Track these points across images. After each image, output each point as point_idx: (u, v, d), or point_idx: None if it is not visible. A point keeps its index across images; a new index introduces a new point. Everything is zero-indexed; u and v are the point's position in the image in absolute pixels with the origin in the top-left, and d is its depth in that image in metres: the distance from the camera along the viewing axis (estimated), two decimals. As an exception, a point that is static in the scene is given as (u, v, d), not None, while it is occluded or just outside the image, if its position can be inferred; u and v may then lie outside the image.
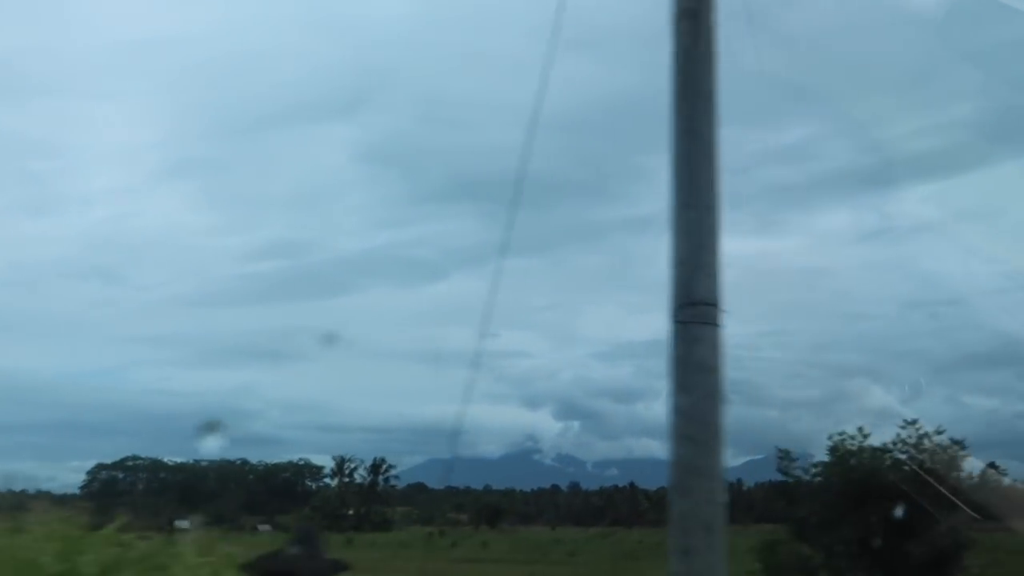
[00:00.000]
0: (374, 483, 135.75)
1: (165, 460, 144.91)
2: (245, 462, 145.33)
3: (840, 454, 32.11)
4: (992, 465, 34.60)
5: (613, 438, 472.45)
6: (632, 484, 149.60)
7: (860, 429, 32.45)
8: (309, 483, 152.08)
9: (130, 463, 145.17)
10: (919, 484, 27.33)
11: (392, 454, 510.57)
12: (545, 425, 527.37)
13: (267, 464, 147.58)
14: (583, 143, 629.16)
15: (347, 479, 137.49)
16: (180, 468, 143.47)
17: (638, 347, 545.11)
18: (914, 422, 30.92)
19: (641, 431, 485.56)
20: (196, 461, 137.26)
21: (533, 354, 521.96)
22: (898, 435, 30.96)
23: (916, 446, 30.90)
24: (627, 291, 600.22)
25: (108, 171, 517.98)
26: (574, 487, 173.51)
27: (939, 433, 30.43)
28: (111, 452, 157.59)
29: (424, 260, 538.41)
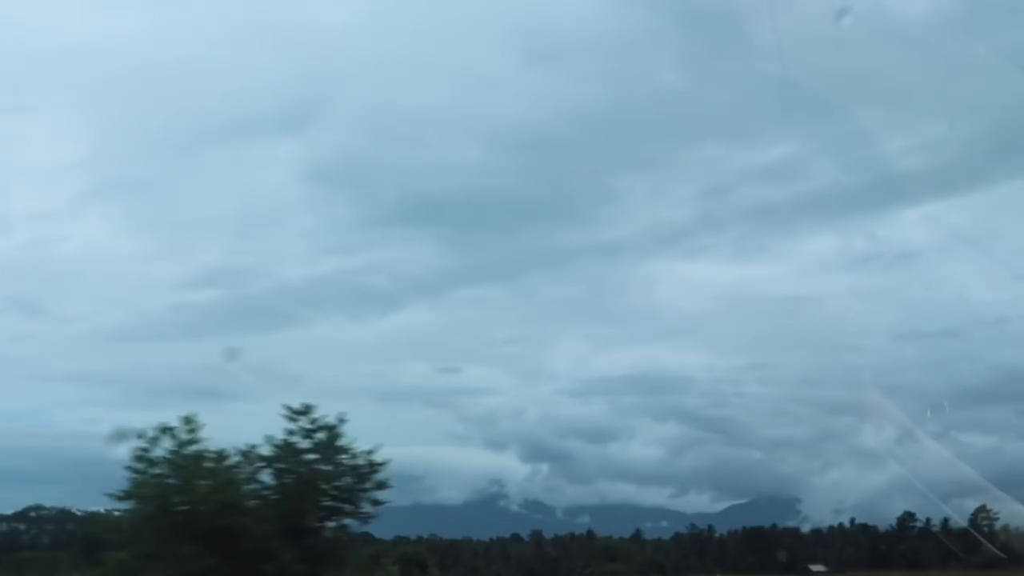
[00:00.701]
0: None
1: (74, 510, 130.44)
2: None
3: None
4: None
5: (585, 482, 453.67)
6: (590, 532, 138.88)
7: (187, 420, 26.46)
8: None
9: (33, 514, 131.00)
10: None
11: None
12: (511, 468, 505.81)
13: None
14: (549, 162, 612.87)
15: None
16: (91, 518, 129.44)
17: (611, 383, 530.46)
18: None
19: (615, 474, 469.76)
20: (108, 511, 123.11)
21: (498, 391, 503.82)
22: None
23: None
24: (598, 322, 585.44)
25: (27, 193, 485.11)
26: (536, 535, 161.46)
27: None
28: (29, 502, 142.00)
29: (376, 289, 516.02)
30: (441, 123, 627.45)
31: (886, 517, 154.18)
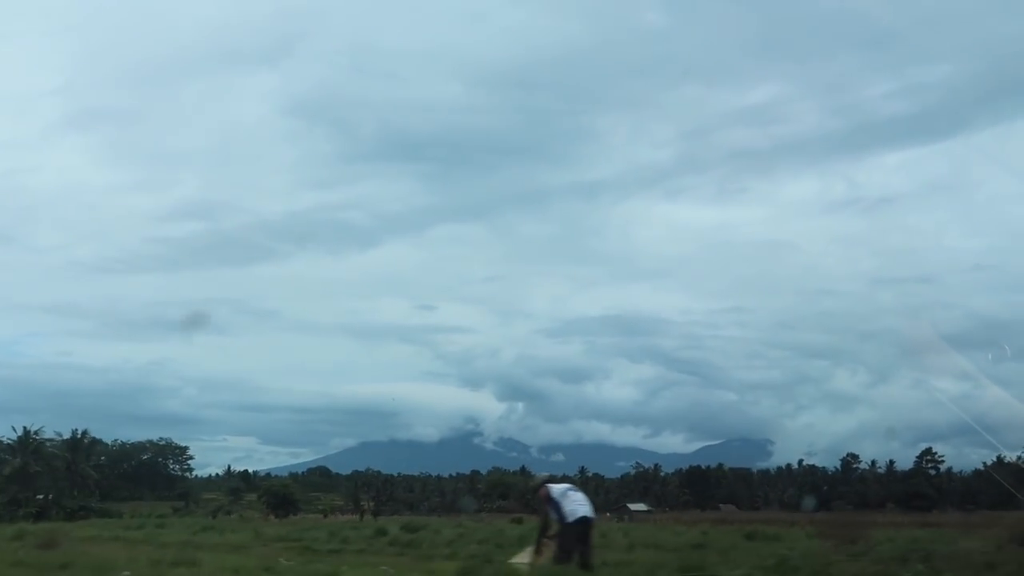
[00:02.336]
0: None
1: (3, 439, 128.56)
2: (94, 440, 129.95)
3: None
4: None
5: (560, 421, 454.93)
6: (523, 468, 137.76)
7: None
8: (174, 467, 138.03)
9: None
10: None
11: (320, 435, 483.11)
12: (487, 406, 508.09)
13: (123, 444, 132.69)
14: (530, 100, 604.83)
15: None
16: (18, 447, 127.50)
17: (588, 323, 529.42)
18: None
19: (590, 414, 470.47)
20: (34, 438, 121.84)
21: (474, 330, 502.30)
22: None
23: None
24: (576, 263, 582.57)
25: (1, 121, 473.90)
26: (475, 473, 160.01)
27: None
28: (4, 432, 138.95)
29: (355, 225, 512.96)
30: (422, 60, 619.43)
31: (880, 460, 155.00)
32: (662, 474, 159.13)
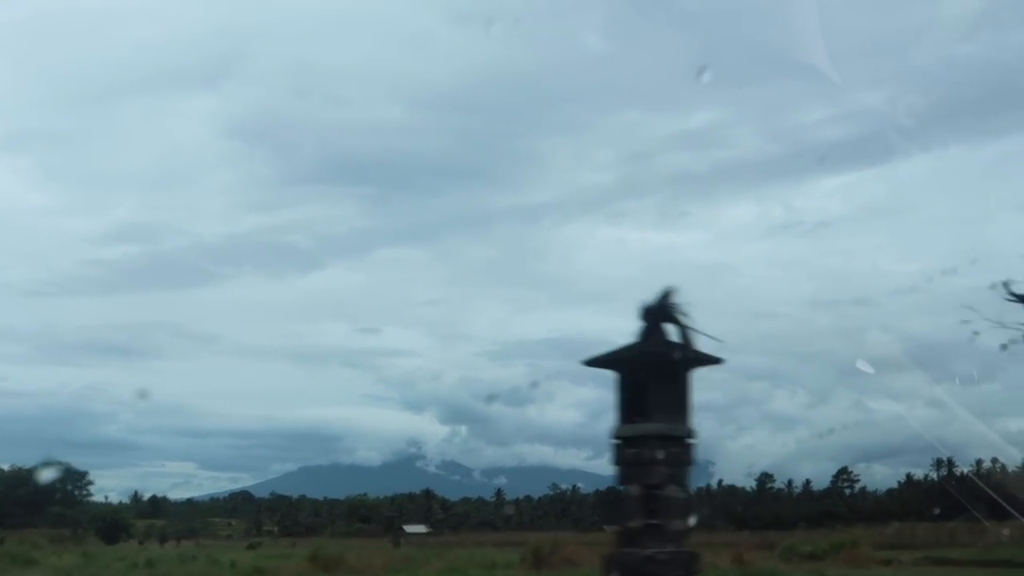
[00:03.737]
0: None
1: None
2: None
3: None
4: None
5: (503, 444, 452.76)
6: (427, 491, 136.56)
7: None
8: (73, 491, 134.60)
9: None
10: None
11: (260, 460, 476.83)
12: (430, 429, 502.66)
13: (18, 468, 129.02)
14: (472, 124, 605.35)
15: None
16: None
17: (530, 346, 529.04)
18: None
19: (533, 436, 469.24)
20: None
21: (417, 353, 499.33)
22: None
23: None
24: (518, 286, 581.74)
25: None
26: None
27: None
28: None
29: (296, 248, 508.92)
30: (364, 82, 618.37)
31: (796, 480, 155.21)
32: (578, 496, 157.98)
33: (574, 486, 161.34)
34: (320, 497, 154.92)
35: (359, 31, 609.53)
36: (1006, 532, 67.18)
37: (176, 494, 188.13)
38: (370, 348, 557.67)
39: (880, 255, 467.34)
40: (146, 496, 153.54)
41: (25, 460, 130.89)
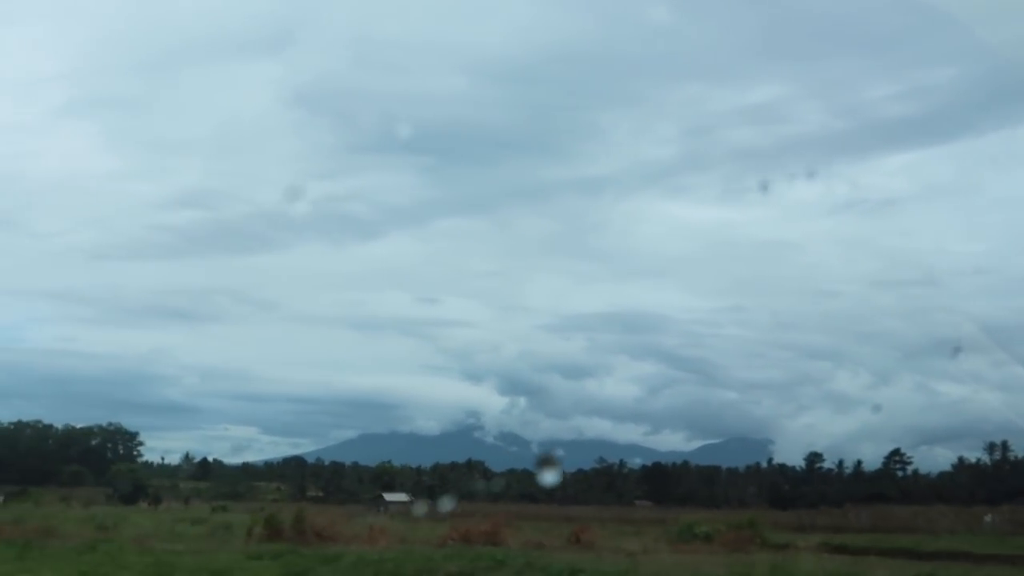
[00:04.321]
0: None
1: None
2: (41, 424, 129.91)
3: None
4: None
5: (561, 416, 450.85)
6: (469, 461, 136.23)
7: None
8: (123, 451, 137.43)
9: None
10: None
11: (320, 427, 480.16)
12: (488, 400, 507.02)
13: (70, 427, 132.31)
14: (533, 95, 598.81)
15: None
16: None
17: (589, 320, 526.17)
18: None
19: (591, 410, 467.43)
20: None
21: (476, 324, 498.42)
22: None
23: None
24: (578, 259, 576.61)
25: (5, 105, 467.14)
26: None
27: None
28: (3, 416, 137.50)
29: (357, 216, 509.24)
30: (425, 51, 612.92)
31: (853, 460, 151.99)
32: (625, 470, 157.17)
33: (621, 460, 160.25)
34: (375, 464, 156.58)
35: (421, 2, 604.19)
36: (988, 518, 65.69)
37: (237, 458, 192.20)
38: (429, 318, 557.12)
39: (945, 235, 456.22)
40: (198, 459, 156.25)
41: (92, 420, 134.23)
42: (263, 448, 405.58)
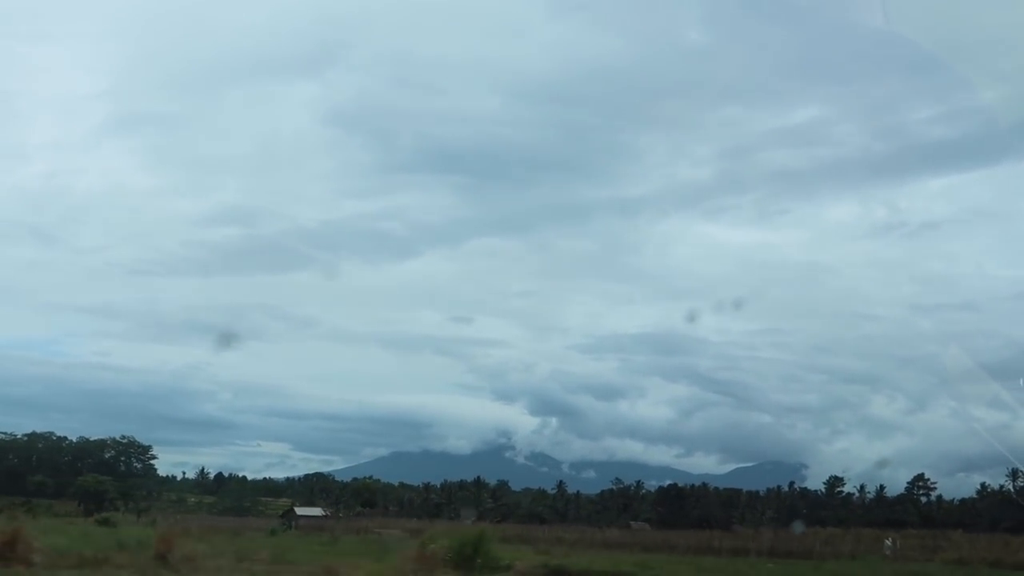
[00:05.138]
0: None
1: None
2: (54, 436, 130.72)
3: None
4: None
5: (593, 438, 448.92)
6: (478, 479, 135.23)
7: None
8: (136, 464, 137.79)
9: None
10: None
11: (352, 444, 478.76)
12: (520, 421, 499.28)
13: (84, 440, 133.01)
14: (569, 115, 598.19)
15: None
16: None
17: (623, 341, 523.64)
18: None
19: (624, 432, 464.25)
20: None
21: (509, 343, 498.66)
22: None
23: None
24: (612, 280, 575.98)
25: (47, 122, 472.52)
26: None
27: None
28: (41, 428, 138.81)
29: (392, 235, 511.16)
30: (461, 71, 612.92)
31: (891, 486, 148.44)
32: (642, 492, 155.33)
33: (638, 482, 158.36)
34: (404, 483, 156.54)
35: (459, 21, 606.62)
36: (888, 543, 66.05)
37: (271, 473, 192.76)
38: (462, 337, 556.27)
39: (986, 259, 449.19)
40: (217, 474, 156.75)
41: (127, 434, 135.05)
42: (295, 465, 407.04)
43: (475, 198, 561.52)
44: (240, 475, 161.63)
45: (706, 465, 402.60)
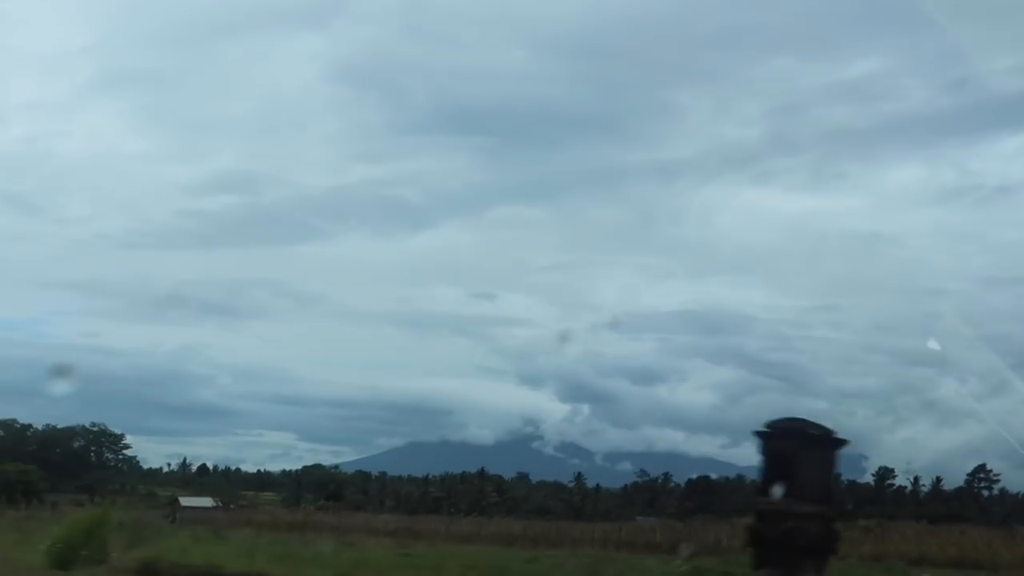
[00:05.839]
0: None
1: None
2: (16, 423, 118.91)
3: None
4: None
5: (629, 426, 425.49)
6: (481, 471, 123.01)
7: None
8: (108, 454, 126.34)
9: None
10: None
11: (364, 433, 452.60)
12: (548, 407, 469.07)
13: (52, 427, 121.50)
14: (601, 71, 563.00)
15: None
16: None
17: (662, 319, 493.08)
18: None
19: (663, 420, 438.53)
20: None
21: (536, 322, 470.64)
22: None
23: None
24: (650, 252, 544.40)
25: (27, 81, 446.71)
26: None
27: None
28: (21, 416, 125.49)
29: (407, 203, 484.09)
30: (482, 22, 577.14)
31: (957, 477, 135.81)
32: (670, 485, 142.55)
33: (665, 474, 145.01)
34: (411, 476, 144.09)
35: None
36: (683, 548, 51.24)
37: (273, 466, 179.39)
38: (484, 316, 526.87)
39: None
40: (224, 466, 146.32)
41: (116, 423, 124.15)
42: (301, 456, 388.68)
43: (497, 162, 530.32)
44: (234, 468, 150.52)
45: (753, 456, 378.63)
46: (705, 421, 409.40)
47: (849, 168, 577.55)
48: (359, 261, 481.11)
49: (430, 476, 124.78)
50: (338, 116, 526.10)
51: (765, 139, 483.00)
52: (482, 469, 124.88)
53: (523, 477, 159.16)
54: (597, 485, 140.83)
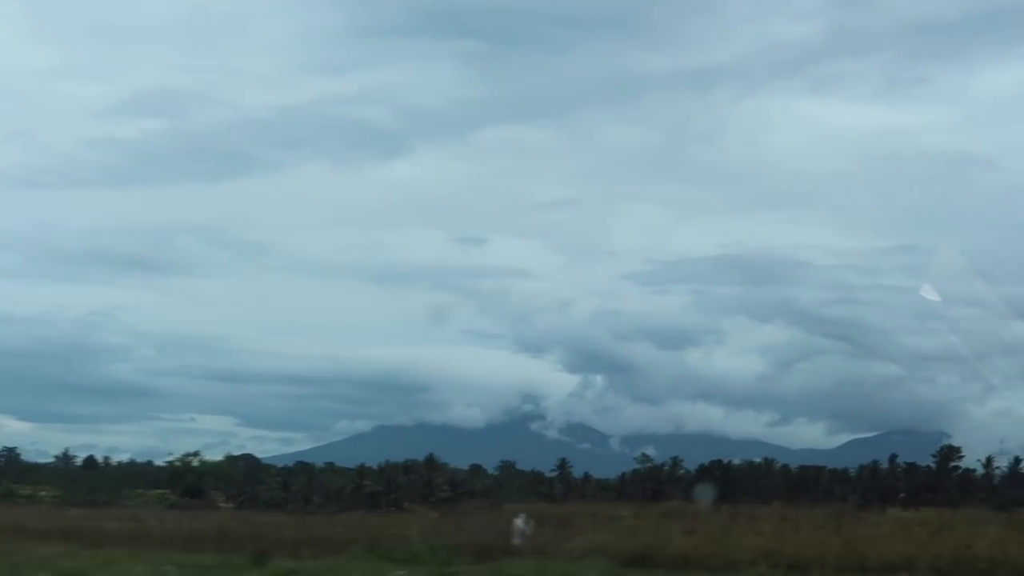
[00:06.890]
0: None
1: None
2: None
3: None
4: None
5: (653, 402, 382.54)
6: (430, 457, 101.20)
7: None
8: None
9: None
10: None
11: (321, 416, 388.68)
12: (552, 380, 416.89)
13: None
14: None
15: None
16: None
17: (696, 266, 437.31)
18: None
19: (696, 393, 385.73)
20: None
21: (537, 273, 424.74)
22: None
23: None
24: (681, 181, 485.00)
25: None
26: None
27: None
28: None
29: (374, 125, 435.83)
30: None
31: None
32: (680, 472, 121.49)
33: (674, 459, 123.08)
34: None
35: None
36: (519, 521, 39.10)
37: (209, 456, 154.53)
38: (472, 266, 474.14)
39: None
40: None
41: (9, 407, 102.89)
42: (243, 445, 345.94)
43: (489, 72, 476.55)
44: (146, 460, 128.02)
45: (810, 437, 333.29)
46: (749, 394, 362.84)
47: (932, 71, 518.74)
48: (314, 200, 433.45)
49: (365, 466, 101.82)
50: (288, 17, 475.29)
51: (825, 36, 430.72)
52: (431, 456, 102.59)
53: (508, 466, 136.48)
54: (586, 473, 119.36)
